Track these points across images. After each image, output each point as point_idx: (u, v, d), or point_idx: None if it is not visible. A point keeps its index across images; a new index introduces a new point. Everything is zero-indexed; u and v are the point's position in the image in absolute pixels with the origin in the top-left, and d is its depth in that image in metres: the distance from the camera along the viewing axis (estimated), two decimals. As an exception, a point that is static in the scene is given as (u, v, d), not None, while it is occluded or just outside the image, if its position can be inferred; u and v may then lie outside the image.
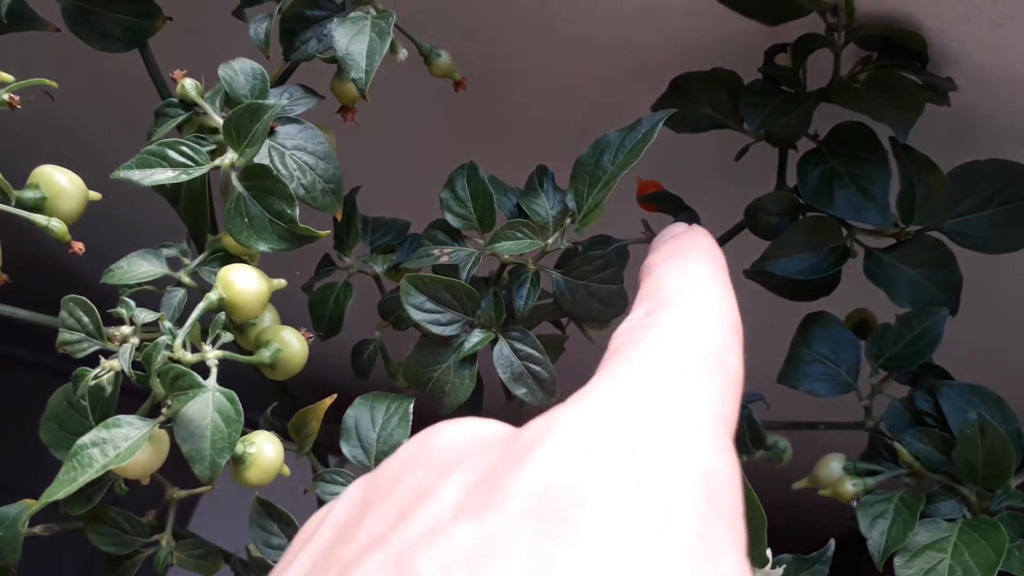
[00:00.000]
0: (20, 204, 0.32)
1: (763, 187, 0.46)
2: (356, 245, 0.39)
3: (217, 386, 0.30)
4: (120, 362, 0.30)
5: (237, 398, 0.30)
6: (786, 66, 0.43)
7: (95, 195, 0.35)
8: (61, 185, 0.33)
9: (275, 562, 0.34)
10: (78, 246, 0.33)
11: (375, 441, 0.36)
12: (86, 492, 0.35)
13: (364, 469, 0.35)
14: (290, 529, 0.34)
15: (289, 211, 0.32)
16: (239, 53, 0.36)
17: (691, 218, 0.44)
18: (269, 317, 0.36)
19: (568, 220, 0.36)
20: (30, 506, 0.34)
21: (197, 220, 0.35)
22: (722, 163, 0.49)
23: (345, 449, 0.35)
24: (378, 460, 0.35)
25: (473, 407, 0.41)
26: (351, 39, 0.33)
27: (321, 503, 0.40)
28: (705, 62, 0.47)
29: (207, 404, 0.29)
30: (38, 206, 0.32)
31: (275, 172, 0.32)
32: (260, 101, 0.32)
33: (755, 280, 0.45)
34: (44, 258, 0.64)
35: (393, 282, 0.40)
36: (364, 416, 0.36)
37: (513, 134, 0.58)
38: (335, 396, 0.37)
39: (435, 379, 0.36)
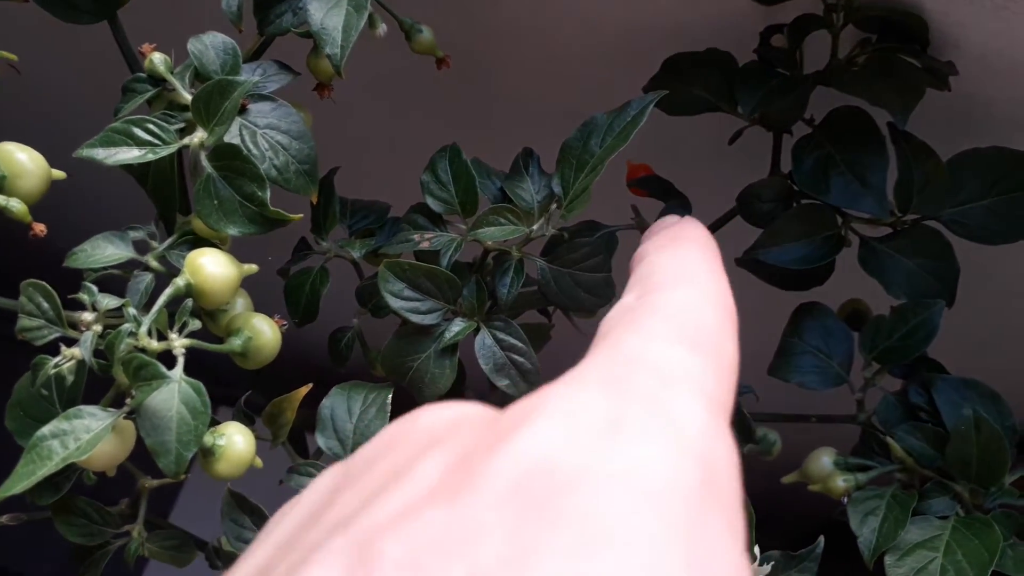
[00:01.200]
0: (-23, 183, 0.30)
1: (756, 172, 0.44)
2: (334, 228, 0.38)
3: (184, 376, 0.28)
4: (81, 351, 0.28)
5: (204, 389, 0.28)
6: (782, 48, 0.42)
7: (59, 174, 0.33)
8: (21, 163, 0.31)
9: (246, 557, 0.33)
10: (39, 228, 0.31)
11: (351, 432, 0.34)
12: (53, 481, 0.34)
13: (339, 461, 0.34)
14: (262, 522, 0.33)
15: (260, 193, 0.30)
16: (212, 27, 0.35)
17: (682, 204, 0.42)
18: (241, 303, 0.34)
19: (554, 206, 0.35)
20: (-10, 497, 0.33)
21: (166, 201, 0.33)
22: (715, 147, 0.48)
23: (320, 440, 0.34)
24: (354, 452, 0.34)
25: (454, 398, 0.40)
26: (327, 13, 0.31)
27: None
28: (699, 43, 0.45)
29: (173, 395, 0.28)
30: (-4, 186, 0.31)
31: (245, 152, 0.30)
32: (230, 77, 0.30)
33: (747, 268, 0.44)
34: (12, 236, 0.63)
35: (372, 267, 0.39)
36: (340, 406, 0.35)
37: (498, 115, 0.57)
38: (311, 385, 0.36)
39: (415, 369, 0.35)
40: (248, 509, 0.34)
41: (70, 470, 0.35)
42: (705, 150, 0.51)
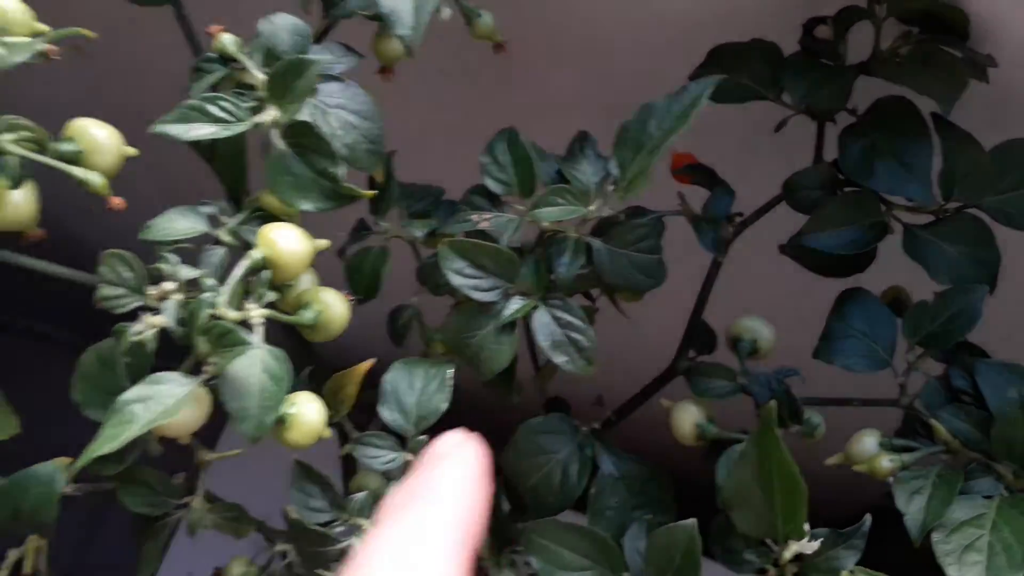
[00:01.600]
0: (55, 157, 0.31)
1: (794, 162, 0.45)
2: (392, 210, 0.39)
3: (264, 344, 0.29)
4: (165, 318, 0.29)
5: (286, 357, 0.29)
6: (826, 39, 0.43)
7: (131, 151, 0.34)
8: (97, 139, 0.32)
9: (316, 525, 0.34)
10: (117, 201, 0.32)
11: (414, 405, 0.35)
12: (119, 453, 0.35)
13: (402, 433, 0.35)
14: (330, 492, 0.34)
15: (332, 170, 0.31)
16: (274, 9, 0.35)
17: (727, 191, 0.43)
18: (307, 279, 0.35)
19: (611, 187, 0.36)
20: (65, 464, 0.34)
21: (235, 178, 0.34)
22: (754, 136, 0.49)
23: (384, 413, 0.35)
24: (417, 424, 0.35)
25: (506, 374, 0.41)
26: (397, -5, 0.32)
27: (350, 466, 0.40)
28: (741, 35, 0.46)
29: (255, 362, 0.29)
30: (74, 160, 0.32)
31: (317, 130, 0.31)
32: (304, 56, 0.31)
33: (789, 255, 0.45)
34: (58, 229, 0.64)
35: (429, 248, 0.40)
36: (402, 380, 0.36)
37: (545, 104, 0.58)
38: (374, 361, 0.37)
39: (474, 345, 0.36)
40: (316, 479, 0.34)
41: (136, 442, 0.36)
42: (744, 140, 0.52)
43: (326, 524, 0.34)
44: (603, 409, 0.47)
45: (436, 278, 0.38)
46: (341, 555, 0.34)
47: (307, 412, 0.32)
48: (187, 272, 0.30)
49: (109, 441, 0.28)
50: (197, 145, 0.35)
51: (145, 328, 0.30)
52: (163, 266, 0.30)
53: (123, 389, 0.37)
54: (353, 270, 0.38)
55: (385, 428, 0.36)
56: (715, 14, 0.48)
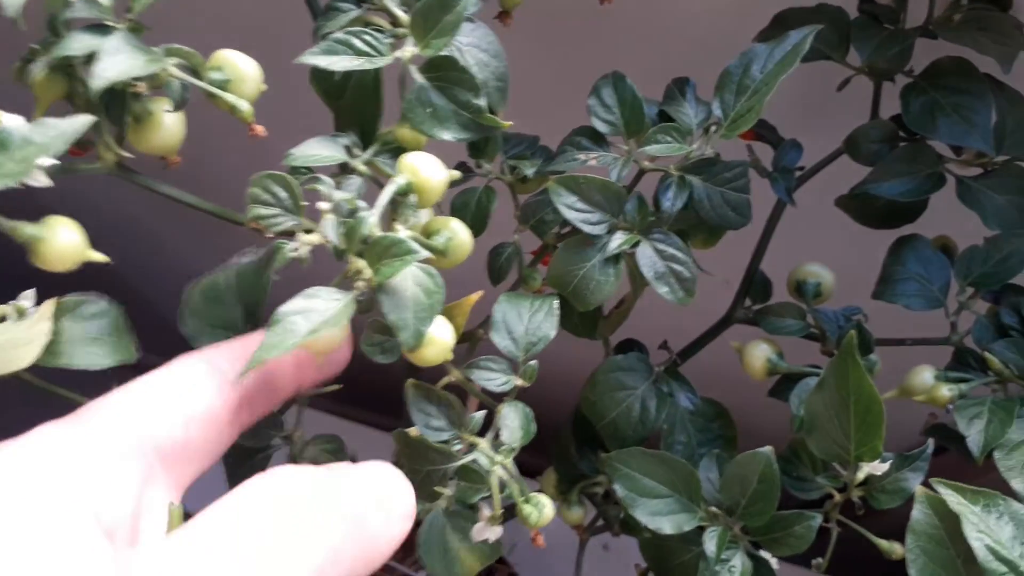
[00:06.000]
0: (208, 83, 0.33)
1: (846, 120, 0.48)
2: (495, 153, 0.41)
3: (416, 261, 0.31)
4: (327, 233, 0.31)
5: (436, 272, 0.31)
6: (887, 5, 0.46)
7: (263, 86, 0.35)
8: (244, 69, 0.34)
9: (439, 443, 0.35)
10: (260, 129, 0.33)
11: (524, 333, 0.37)
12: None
13: (512, 359, 0.37)
14: (450, 411, 0.36)
15: (475, 101, 0.33)
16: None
17: (795, 145, 0.46)
18: (425, 213, 0.37)
19: (713, 128, 0.38)
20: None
21: (366, 114, 0.36)
22: (807, 97, 0.52)
23: (496, 339, 0.37)
24: (527, 350, 0.37)
25: (593, 314, 0.43)
26: (529, -59, 0.34)
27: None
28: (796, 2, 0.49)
29: (406, 278, 0.31)
30: (222, 87, 0.33)
31: (463, 63, 0.33)
32: (450, -6, 0.33)
33: (844, 209, 0.48)
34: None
35: (522, 194, 0.42)
36: (511, 312, 0.38)
37: (609, 66, 0.60)
38: (482, 292, 0.39)
39: (580, 277, 0.38)
40: (435, 399, 0.36)
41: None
42: (793, 102, 0.55)
43: (444, 443, 0.36)
44: (667, 353, 0.49)
45: (540, 215, 0.40)
46: (457, 473, 0.36)
47: (441, 331, 0.34)
48: (340, 194, 0.32)
49: (274, 348, 0.29)
50: (324, 83, 0.36)
51: (301, 245, 0.31)
52: (321, 188, 0.32)
53: (232, 319, 0.38)
54: (459, 209, 0.40)
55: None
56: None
